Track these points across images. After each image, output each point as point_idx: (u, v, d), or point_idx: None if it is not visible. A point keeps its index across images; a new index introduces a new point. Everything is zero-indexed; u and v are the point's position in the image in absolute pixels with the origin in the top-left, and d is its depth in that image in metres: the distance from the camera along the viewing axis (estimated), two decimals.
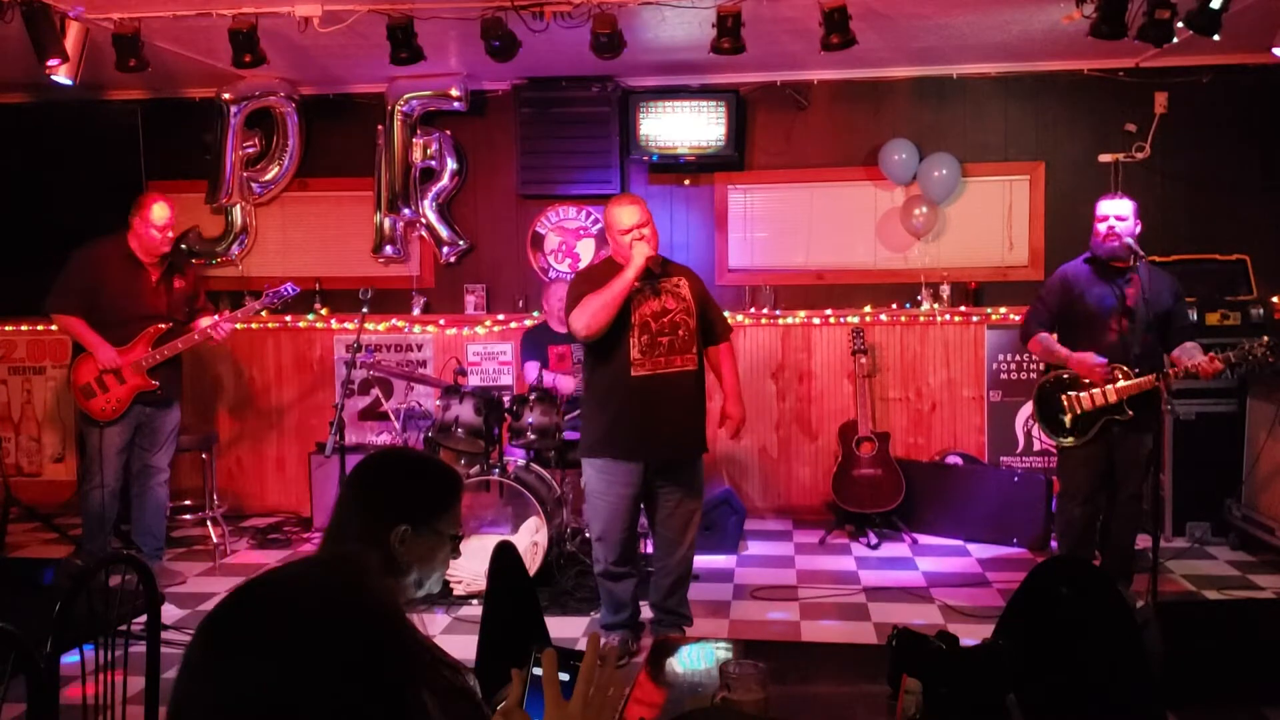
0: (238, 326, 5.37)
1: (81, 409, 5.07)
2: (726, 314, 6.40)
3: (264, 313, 5.41)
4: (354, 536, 1.85)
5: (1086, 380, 4.48)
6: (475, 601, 4.61)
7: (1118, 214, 4.47)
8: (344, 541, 1.86)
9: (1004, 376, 6.31)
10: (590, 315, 3.96)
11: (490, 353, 6.63)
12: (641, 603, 4.39)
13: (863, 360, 6.16)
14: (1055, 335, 4.69)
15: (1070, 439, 4.57)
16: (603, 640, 4.23)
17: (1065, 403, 4.55)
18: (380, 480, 1.95)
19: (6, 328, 6.80)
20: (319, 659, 1.00)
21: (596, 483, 4.13)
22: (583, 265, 6.39)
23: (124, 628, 2.31)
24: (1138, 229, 4.49)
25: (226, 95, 6.33)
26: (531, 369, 5.66)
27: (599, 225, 6.47)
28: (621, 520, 4.11)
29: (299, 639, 1.01)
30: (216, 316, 5.23)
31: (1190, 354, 4.41)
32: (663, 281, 4.13)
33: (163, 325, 5.05)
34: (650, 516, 4.28)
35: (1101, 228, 4.50)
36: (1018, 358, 6.24)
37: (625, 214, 4.08)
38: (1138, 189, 5.89)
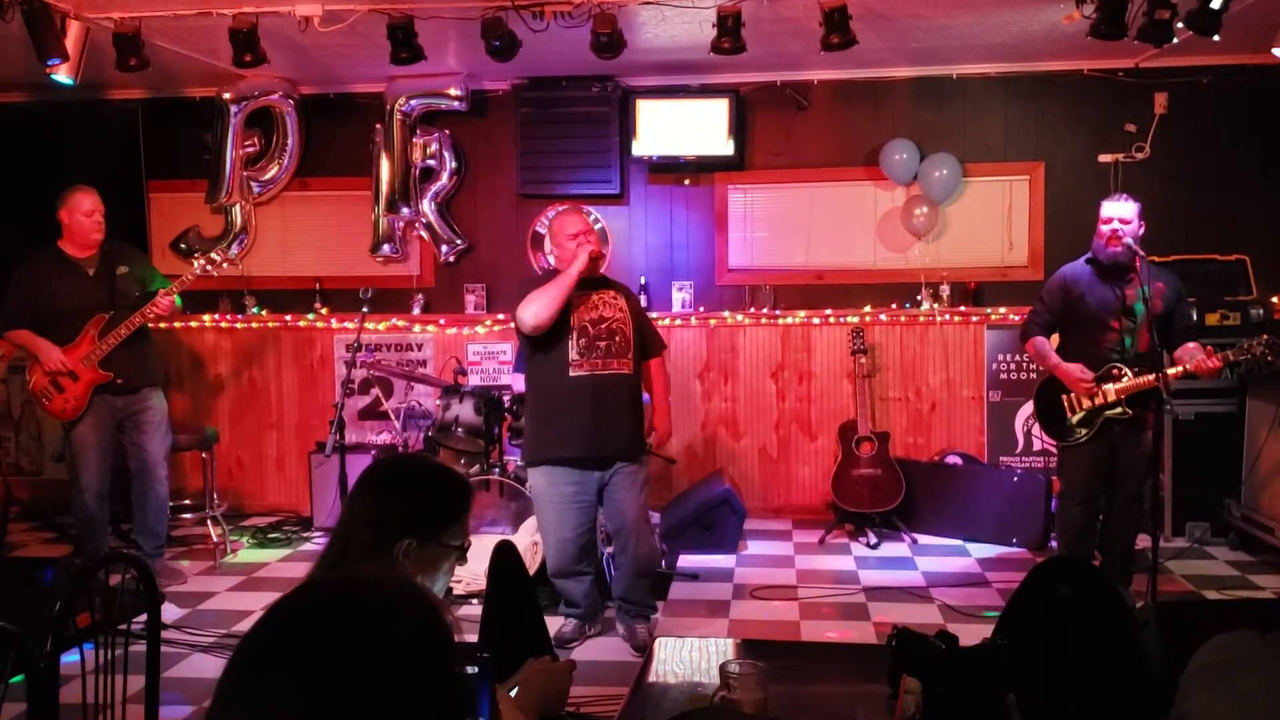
0: (176, 303, 5.12)
1: (46, 414, 5.07)
2: (727, 314, 6.53)
3: (210, 268, 5.13)
4: (359, 546, 1.84)
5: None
6: (475, 601, 4.61)
7: (1121, 217, 4.41)
8: (348, 550, 1.84)
9: (1003, 376, 6.31)
10: (539, 305, 4.08)
11: (490, 352, 6.64)
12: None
13: (862, 360, 6.17)
14: (1056, 337, 4.69)
15: (1070, 439, 4.58)
16: (559, 626, 4.30)
17: (1065, 403, 4.56)
18: (387, 492, 1.92)
19: None
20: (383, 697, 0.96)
21: (542, 487, 4.26)
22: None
23: (124, 627, 2.31)
24: (1140, 230, 4.46)
25: (227, 95, 6.33)
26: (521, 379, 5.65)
27: (600, 224, 6.47)
28: (569, 522, 4.23)
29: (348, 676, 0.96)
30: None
31: (1192, 354, 4.40)
32: (600, 293, 4.31)
33: (105, 315, 4.94)
34: (604, 515, 4.48)
35: (1105, 230, 4.44)
36: (1017, 358, 6.24)
37: (571, 221, 4.31)
38: (1137, 189, 5.87)
